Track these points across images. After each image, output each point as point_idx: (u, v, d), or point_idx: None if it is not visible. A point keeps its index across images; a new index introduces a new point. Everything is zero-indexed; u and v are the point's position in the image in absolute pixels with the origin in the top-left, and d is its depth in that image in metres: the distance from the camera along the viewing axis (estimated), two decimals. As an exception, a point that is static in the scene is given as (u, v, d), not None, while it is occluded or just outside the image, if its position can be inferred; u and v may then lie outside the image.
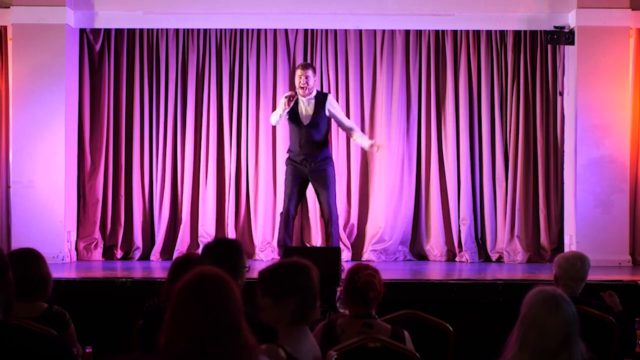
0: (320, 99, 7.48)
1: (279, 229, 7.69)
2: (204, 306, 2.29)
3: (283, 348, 2.84)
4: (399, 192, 8.87)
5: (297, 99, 7.45)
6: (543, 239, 8.71)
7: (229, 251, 3.70)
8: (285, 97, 7.39)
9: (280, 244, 7.53)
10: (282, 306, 2.92)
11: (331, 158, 7.60)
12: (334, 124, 7.90)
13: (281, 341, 2.88)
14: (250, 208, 8.91)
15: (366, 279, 3.74)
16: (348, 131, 7.76)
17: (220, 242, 4.04)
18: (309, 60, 8.83)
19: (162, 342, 2.29)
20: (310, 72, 7.44)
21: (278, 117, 7.42)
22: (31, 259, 4.02)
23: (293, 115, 7.43)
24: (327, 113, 7.49)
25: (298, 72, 7.46)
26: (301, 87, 7.39)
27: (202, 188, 8.87)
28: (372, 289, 3.74)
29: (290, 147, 7.58)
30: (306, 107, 7.43)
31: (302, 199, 7.82)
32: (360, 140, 7.65)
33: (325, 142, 7.53)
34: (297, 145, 7.44)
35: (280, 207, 8.77)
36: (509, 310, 3.28)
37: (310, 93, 7.43)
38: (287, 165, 7.61)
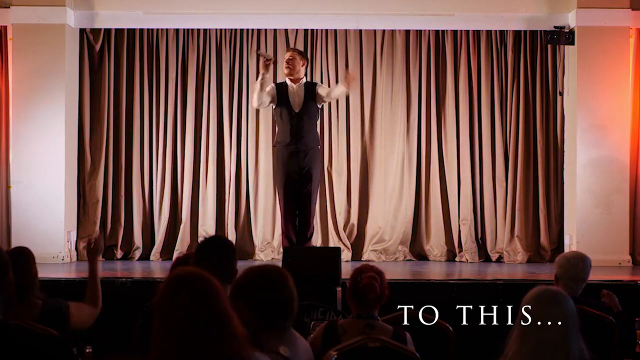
0: (310, 86, 7.38)
1: (284, 230, 7.48)
2: (183, 307, 2.28)
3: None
4: (399, 192, 8.87)
5: (287, 85, 7.34)
6: (543, 239, 8.71)
7: (224, 250, 3.71)
8: (260, 55, 7.30)
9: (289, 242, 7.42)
10: (252, 312, 2.90)
11: (320, 148, 7.51)
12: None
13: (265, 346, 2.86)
14: (250, 208, 8.91)
15: (367, 281, 3.74)
16: (335, 95, 7.51)
17: (216, 240, 4.04)
18: (309, 61, 8.81)
19: (152, 346, 2.29)
20: (296, 55, 7.38)
21: (259, 88, 7.20)
22: (25, 258, 4.01)
23: (283, 102, 7.31)
24: (317, 99, 7.33)
25: (286, 54, 7.40)
26: (287, 68, 7.27)
27: (202, 188, 8.87)
28: (372, 292, 3.73)
29: (279, 138, 7.42)
30: (297, 93, 7.30)
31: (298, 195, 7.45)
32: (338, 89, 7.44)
33: (316, 132, 7.45)
34: (288, 135, 7.28)
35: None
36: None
37: (298, 76, 7.31)
38: (277, 158, 7.43)
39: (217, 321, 2.29)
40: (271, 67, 7.42)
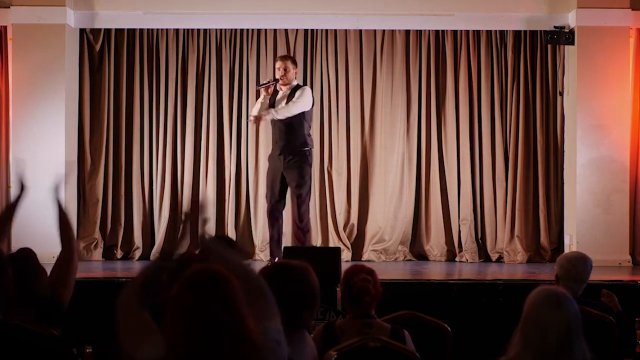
0: (294, 90, 7.28)
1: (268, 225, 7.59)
2: (204, 303, 2.29)
3: None
4: (399, 192, 8.87)
5: (276, 90, 7.35)
6: (543, 239, 8.71)
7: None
8: (262, 85, 7.38)
9: (271, 240, 7.47)
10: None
11: (309, 152, 7.34)
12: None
13: None
14: (250, 208, 8.91)
15: (361, 284, 3.71)
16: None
17: (220, 239, 4.05)
18: (309, 61, 8.85)
19: (166, 342, 2.29)
20: (289, 64, 7.33)
21: (259, 106, 7.34)
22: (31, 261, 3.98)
23: (270, 106, 7.28)
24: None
25: (277, 63, 7.37)
26: (280, 77, 7.26)
27: (202, 188, 8.87)
28: (367, 294, 3.72)
29: (272, 143, 7.53)
30: (282, 97, 7.27)
31: (284, 194, 7.40)
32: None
33: (301, 135, 7.25)
34: (272, 140, 7.44)
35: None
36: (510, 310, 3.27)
37: (289, 81, 7.30)
38: (268, 162, 7.62)
39: (233, 321, 2.29)
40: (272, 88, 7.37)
